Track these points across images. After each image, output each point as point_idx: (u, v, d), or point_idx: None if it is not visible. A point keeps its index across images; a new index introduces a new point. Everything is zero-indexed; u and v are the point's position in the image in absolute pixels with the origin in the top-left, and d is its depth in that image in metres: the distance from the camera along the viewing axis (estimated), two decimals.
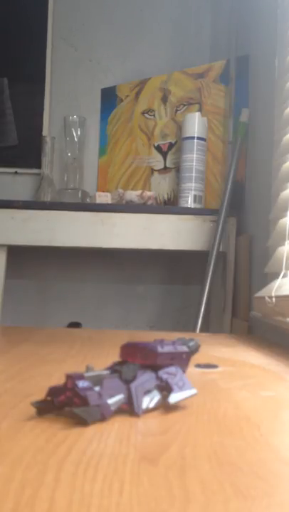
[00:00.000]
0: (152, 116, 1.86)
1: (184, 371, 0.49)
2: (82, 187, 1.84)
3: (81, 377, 0.42)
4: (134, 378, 0.44)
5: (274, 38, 1.26)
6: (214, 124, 1.72)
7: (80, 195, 1.75)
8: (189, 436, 0.39)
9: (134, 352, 0.47)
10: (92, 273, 1.95)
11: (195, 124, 1.64)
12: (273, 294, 0.96)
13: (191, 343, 0.51)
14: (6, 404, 0.47)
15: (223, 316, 1.55)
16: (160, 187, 1.82)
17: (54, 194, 1.77)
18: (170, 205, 1.77)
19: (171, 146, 1.81)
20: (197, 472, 0.31)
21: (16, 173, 1.94)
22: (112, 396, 0.42)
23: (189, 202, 1.62)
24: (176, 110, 1.81)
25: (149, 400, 0.45)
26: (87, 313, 1.93)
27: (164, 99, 1.84)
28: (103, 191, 1.83)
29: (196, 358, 0.72)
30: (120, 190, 1.67)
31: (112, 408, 0.42)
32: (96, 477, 0.30)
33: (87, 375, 0.43)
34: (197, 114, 1.65)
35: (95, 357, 0.75)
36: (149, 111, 1.87)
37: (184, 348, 0.50)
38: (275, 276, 1.05)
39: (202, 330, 1.45)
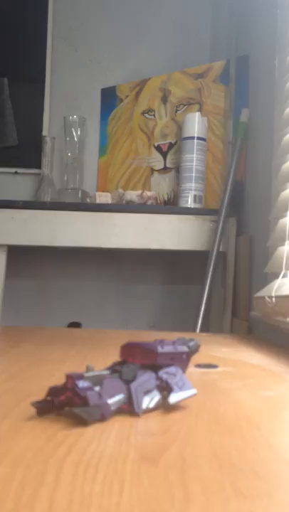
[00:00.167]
0: (152, 116, 1.86)
1: (184, 371, 0.49)
2: (82, 187, 1.83)
3: (81, 377, 0.42)
4: (134, 378, 0.44)
5: (274, 38, 1.26)
6: (214, 124, 1.72)
7: (80, 195, 1.75)
8: (189, 436, 0.39)
9: (134, 352, 0.47)
10: (92, 273, 1.95)
11: (195, 124, 1.64)
12: (273, 294, 0.96)
13: (191, 343, 0.51)
14: (6, 404, 0.47)
15: (223, 316, 1.55)
16: (160, 187, 1.82)
17: (54, 194, 1.77)
18: (170, 205, 1.77)
19: (171, 146, 1.81)
20: (197, 472, 0.31)
21: (16, 173, 1.94)
22: (112, 396, 0.42)
23: (189, 202, 1.62)
24: (176, 110, 1.81)
25: (149, 400, 0.45)
26: (87, 313, 1.93)
27: (164, 99, 1.84)
28: (103, 191, 1.83)
29: (196, 358, 0.72)
30: (120, 190, 1.66)
31: (112, 408, 0.42)
32: (96, 477, 0.30)
33: (87, 375, 0.43)
34: (197, 114, 1.65)
35: (95, 357, 0.75)
36: (149, 111, 1.87)
37: (184, 348, 0.50)
38: (275, 276, 1.05)
39: (202, 330, 1.45)
